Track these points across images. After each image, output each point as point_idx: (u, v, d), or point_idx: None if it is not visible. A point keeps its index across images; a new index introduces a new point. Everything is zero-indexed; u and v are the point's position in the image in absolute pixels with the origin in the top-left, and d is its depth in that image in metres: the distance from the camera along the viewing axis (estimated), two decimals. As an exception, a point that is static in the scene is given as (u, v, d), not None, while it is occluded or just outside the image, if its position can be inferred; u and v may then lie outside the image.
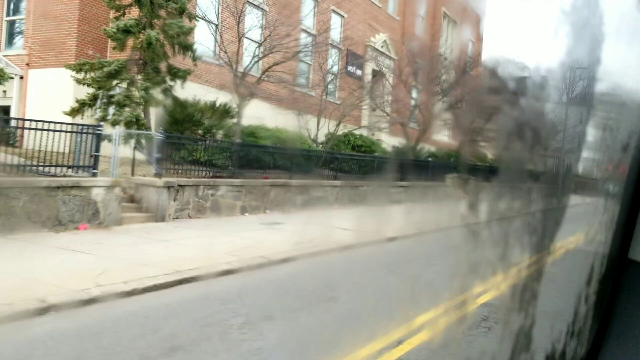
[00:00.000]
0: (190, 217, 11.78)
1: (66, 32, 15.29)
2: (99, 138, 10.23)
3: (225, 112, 14.85)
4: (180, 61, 14.19)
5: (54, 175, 9.53)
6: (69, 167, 10.00)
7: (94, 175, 9.98)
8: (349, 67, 24.99)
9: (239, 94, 14.08)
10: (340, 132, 20.68)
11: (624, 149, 1.64)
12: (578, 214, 2.24)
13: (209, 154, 13.62)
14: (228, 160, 13.63)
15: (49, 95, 14.51)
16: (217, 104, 14.84)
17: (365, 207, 17.00)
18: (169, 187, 10.87)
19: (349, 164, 19.31)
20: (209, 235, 9.77)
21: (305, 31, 20.80)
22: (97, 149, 10.14)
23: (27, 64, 15.69)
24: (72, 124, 10.47)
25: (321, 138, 20.18)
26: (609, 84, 1.75)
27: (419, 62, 26.75)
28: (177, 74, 13.15)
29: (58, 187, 9.03)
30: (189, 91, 14.59)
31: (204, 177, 12.55)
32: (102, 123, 11.22)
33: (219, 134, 14.78)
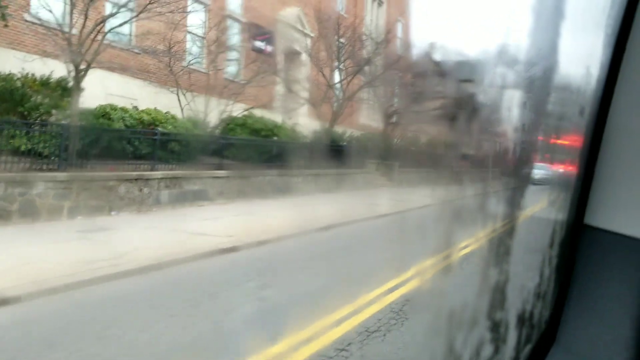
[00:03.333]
0: (-17, 225, 8.69)
1: None
2: None
3: (63, 88, 11.70)
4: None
5: None
6: None
7: None
8: (256, 43, 22.07)
9: (73, 62, 10.95)
10: (238, 114, 17.80)
11: (577, 120, 1.75)
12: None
13: (35, 142, 10.50)
14: (58, 149, 10.54)
15: None
16: (53, 78, 11.68)
17: (258, 202, 14.30)
18: None
19: (245, 151, 16.48)
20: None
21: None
22: None
23: None
24: None
25: (215, 120, 17.28)
26: (549, 67, 1.77)
27: (338, 40, 24.15)
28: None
29: None
30: (11, 62, 11.39)
31: (9, 172, 9.42)
32: None
33: (57, 116, 11.63)
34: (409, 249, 7.96)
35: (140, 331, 4.58)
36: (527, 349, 1.70)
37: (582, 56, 1.72)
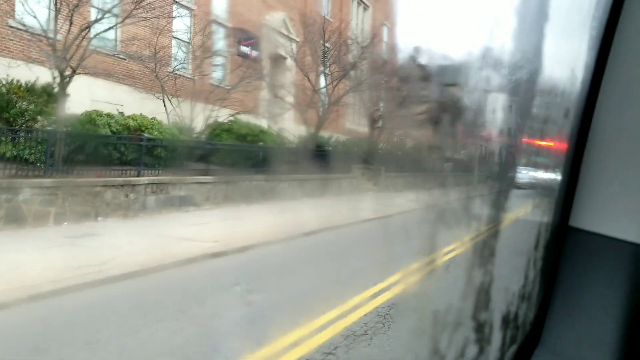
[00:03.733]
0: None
1: None
2: None
3: (49, 94, 11.67)
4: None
5: None
6: None
7: None
8: (242, 48, 22.11)
9: (58, 68, 10.95)
10: (224, 119, 17.84)
11: (562, 122, 1.78)
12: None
13: (20, 148, 10.48)
14: (44, 155, 10.52)
15: None
16: (39, 85, 11.64)
17: (244, 207, 14.35)
18: None
19: (231, 156, 16.51)
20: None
21: (177, 2, 17.81)
22: None
23: None
24: None
25: (201, 126, 17.30)
26: (534, 70, 1.81)
27: (324, 44, 24.25)
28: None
29: None
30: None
31: (-6, 178, 9.40)
32: None
33: (43, 122, 11.60)
34: (394, 253, 8.07)
35: (127, 336, 4.64)
36: (512, 350, 1.72)
37: (567, 58, 1.75)
